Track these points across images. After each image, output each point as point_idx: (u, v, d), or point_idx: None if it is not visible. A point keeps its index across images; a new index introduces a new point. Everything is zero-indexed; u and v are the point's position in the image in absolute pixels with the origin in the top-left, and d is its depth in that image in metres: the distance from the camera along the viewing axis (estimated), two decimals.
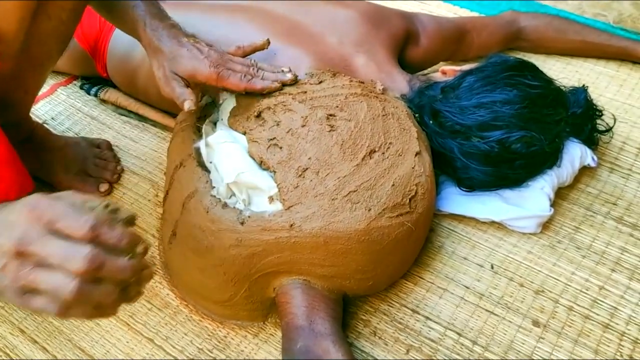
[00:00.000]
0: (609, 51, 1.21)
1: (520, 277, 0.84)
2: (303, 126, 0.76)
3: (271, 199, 0.72)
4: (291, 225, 0.69)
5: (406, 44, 1.03)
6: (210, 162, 0.78)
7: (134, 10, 0.78)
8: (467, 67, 0.92)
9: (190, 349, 0.76)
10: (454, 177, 0.89)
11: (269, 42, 0.82)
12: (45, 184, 0.95)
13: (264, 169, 0.75)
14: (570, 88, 0.93)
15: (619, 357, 0.76)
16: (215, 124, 0.84)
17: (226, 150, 0.77)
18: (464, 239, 0.89)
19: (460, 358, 0.75)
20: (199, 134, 0.82)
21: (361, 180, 0.72)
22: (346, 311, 0.78)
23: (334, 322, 0.71)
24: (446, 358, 0.75)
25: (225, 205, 0.72)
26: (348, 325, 0.78)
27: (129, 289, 0.46)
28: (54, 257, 0.42)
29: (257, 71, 0.79)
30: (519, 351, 0.76)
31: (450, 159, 0.86)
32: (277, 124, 0.77)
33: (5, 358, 0.75)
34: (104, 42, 1.05)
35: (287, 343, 0.70)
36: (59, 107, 1.12)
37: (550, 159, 0.89)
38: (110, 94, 1.11)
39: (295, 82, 0.81)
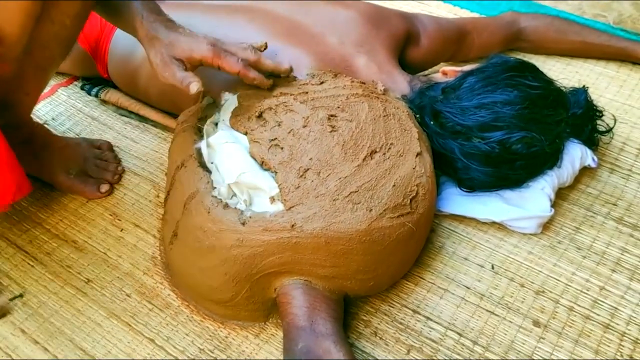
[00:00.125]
0: (609, 52, 1.22)
1: (521, 277, 0.84)
2: (304, 127, 0.76)
3: (272, 199, 0.72)
4: (292, 225, 0.69)
5: (407, 44, 1.03)
6: (212, 163, 0.78)
7: (130, 6, 0.78)
8: (467, 67, 0.92)
9: (191, 349, 0.76)
10: (455, 177, 0.89)
11: (266, 46, 0.82)
12: (46, 184, 0.95)
13: (266, 170, 0.75)
14: (571, 89, 0.93)
15: (619, 358, 0.76)
16: (216, 124, 0.84)
17: (227, 150, 0.77)
18: (464, 239, 0.89)
19: (460, 358, 0.75)
20: (200, 134, 0.82)
21: (362, 180, 0.72)
22: (347, 311, 0.78)
23: (335, 323, 0.71)
24: (447, 358, 0.75)
25: (226, 205, 0.72)
26: (349, 325, 0.79)
27: None
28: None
29: (254, 52, 0.79)
30: (520, 351, 0.76)
31: (451, 159, 0.86)
32: (279, 125, 0.77)
33: (6, 358, 0.75)
34: (104, 43, 1.05)
35: (288, 343, 0.70)
36: (60, 108, 1.12)
37: (550, 159, 0.89)
38: (111, 95, 1.11)
39: (289, 74, 0.81)
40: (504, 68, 0.87)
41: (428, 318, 0.80)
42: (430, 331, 0.78)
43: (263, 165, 0.75)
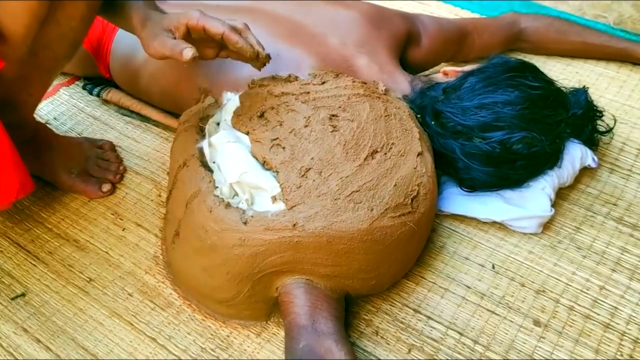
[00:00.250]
0: (609, 52, 1.22)
1: (522, 277, 0.85)
2: (306, 126, 0.77)
3: (274, 198, 0.72)
4: (294, 224, 0.69)
5: (408, 44, 1.03)
6: (214, 162, 0.79)
7: (129, 4, 0.78)
8: (468, 68, 0.92)
9: (193, 348, 0.76)
10: (456, 177, 0.90)
11: (269, 57, 0.79)
12: (48, 183, 0.95)
13: (267, 169, 0.75)
14: (571, 89, 0.93)
15: (619, 357, 0.76)
16: (218, 124, 0.84)
17: (229, 150, 0.77)
18: (465, 239, 0.90)
19: (461, 357, 0.76)
20: (202, 134, 0.82)
21: (364, 180, 0.73)
22: (348, 311, 0.79)
23: (336, 322, 0.72)
24: (448, 357, 0.76)
25: (228, 205, 0.72)
26: (350, 324, 0.79)
27: None
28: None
29: (242, 24, 0.77)
30: (520, 351, 0.76)
31: (452, 159, 0.86)
32: (280, 124, 0.77)
33: (9, 357, 0.75)
34: (106, 43, 1.05)
35: (290, 342, 0.70)
36: (62, 108, 1.12)
37: (551, 159, 0.89)
38: (113, 95, 1.12)
39: (266, 61, 0.78)
40: (505, 68, 0.88)
41: (429, 317, 0.80)
42: (431, 330, 0.78)
43: (265, 164, 0.75)
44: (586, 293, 0.83)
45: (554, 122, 0.87)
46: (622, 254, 0.88)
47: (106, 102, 1.13)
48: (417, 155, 0.78)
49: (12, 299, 0.82)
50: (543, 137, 0.84)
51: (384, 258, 0.74)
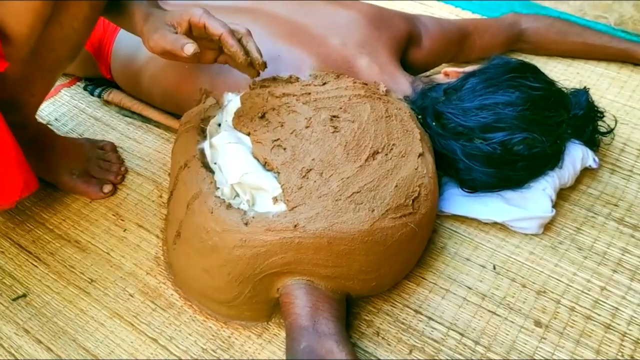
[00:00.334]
0: (610, 53, 1.22)
1: (522, 277, 0.85)
2: (307, 127, 0.77)
3: (275, 199, 0.72)
4: (295, 225, 0.69)
5: (408, 45, 1.03)
6: (215, 163, 0.79)
7: (132, 4, 0.79)
8: (469, 68, 0.92)
9: (194, 349, 0.76)
10: (457, 178, 0.90)
11: (266, 65, 0.79)
12: (49, 184, 0.95)
13: (268, 170, 0.75)
14: (572, 90, 0.93)
15: (620, 358, 0.76)
16: (219, 125, 0.84)
17: (230, 151, 0.77)
18: (466, 239, 0.90)
19: (462, 358, 0.76)
20: (203, 135, 0.82)
21: (364, 181, 0.73)
22: (349, 311, 0.79)
23: (337, 323, 0.72)
24: (449, 358, 0.76)
25: (229, 206, 0.72)
26: (351, 325, 0.79)
27: None
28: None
29: (245, 30, 0.76)
30: (521, 351, 0.76)
31: (453, 160, 0.86)
32: (281, 125, 0.77)
33: (10, 358, 0.75)
34: (107, 44, 1.05)
35: (291, 343, 0.70)
36: (63, 108, 1.12)
37: (552, 160, 0.89)
38: (114, 95, 1.12)
39: (262, 69, 0.78)
40: (506, 69, 0.88)
41: (430, 318, 0.80)
42: (432, 331, 0.78)
43: (266, 165, 0.75)
44: (587, 294, 0.83)
45: (555, 123, 0.87)
46: (623, 254, 0.88)
47: (107, 103, 1.13)
48: (418, 156, 0.78)
49: (14, 299, 0.82)
50: (544, 138, 0.84)
51: (385, 259, 0.74)
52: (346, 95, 0.82)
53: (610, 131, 0.98)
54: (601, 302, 0.82)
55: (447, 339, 0.78)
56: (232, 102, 0.84)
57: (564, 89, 0.92)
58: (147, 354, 0.76)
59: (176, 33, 0.73)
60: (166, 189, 0.96)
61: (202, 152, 0.80)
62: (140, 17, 0.77)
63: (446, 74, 0.96)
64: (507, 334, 0.78)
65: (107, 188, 0.95)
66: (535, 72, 0.90)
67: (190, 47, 0.70)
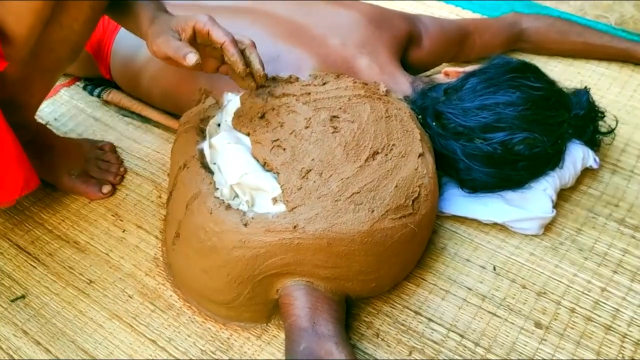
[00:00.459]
0: (610, 53, 1.22)
1: (523, 278, 0.84)
2: (306, 128, 0.76)
3: (275, 200, 0.72)
4: (295, 226, 0.69)
5: (409, 45, 1.03)
6: (214, 164, 0.78)
7: (138, 4, 0.78)
8: (470, 68, 0.92)
9: (193, 350, 0.76)
10: (457, 178, 0.89)
11: (266, 77, 0.78)
12: (48, 185, 0.95)
13: (268, 171, 0.75)
14: (573, 90, 0.93)
15: (620, 359, 0.76)
16: (218, 125, 0.84)
17: (230, 151, 0.77)
18: (466, 240, 0.89)
19: None
20: (202, 135, 0.82)
21: (364, 181, 0.72)
22: (349, 313, 0.78)
23: (336, 324, 0.71)
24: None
25: (228, 206, 0.72)
26: (351, 326, 0.79)
27: None
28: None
29: (250, 41, 0.76)
30: (521, 353, 0.76)
31: (453, 160, 0.86)
32: (281, 125, 0.77)
33: (8, 359, 0.75)
34: (107, 44, 1.05)
35: (290, 344, 0.70)
36: (62, 108, 1.12)
37: (552, 160, 0.89)
38: (114, 95, 1.11)
39: (262, 81, 0.78)
40: (506, 69, 0.87)
41: (430, 319, 0.80)
42: (432, 333, 0.78)
43: (265, 166, 0.75)
44: (587, 295, 0.82)
45: (555, 123, 0.86)
46: (623, 255, 0.87)
47: (107, 103, 1.13)
48: (418, 157, 0.77)
49: (12, 300, 0.81)
50: (545, 138, 0.84)
51: (385, 260, 0.74)
52: (346, 96, 0.81)
53: (611, 131, 0.98)
54: (602, 304, 0.81)
55: (447, 340, 0.77)
56: (232, 102, 0.84)
57: (564, 89, 0.92)
58: (146, 355, 0.76)
59: (180, 39, 0.73)
60: (165, 189, 0.96)
61: (201, 152, 0.79)
62: (145, 20, 0.77)
63: (446, 73, 0.95)
64: (507, 336, 0.78)
65: (106, 188, 0.95)
66: (536, 72, 0.90)
67: (192, 58, 0.70)
